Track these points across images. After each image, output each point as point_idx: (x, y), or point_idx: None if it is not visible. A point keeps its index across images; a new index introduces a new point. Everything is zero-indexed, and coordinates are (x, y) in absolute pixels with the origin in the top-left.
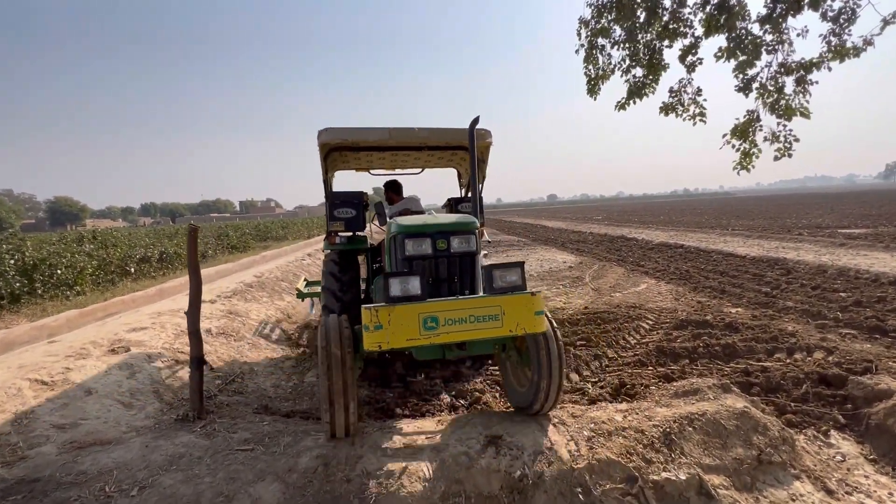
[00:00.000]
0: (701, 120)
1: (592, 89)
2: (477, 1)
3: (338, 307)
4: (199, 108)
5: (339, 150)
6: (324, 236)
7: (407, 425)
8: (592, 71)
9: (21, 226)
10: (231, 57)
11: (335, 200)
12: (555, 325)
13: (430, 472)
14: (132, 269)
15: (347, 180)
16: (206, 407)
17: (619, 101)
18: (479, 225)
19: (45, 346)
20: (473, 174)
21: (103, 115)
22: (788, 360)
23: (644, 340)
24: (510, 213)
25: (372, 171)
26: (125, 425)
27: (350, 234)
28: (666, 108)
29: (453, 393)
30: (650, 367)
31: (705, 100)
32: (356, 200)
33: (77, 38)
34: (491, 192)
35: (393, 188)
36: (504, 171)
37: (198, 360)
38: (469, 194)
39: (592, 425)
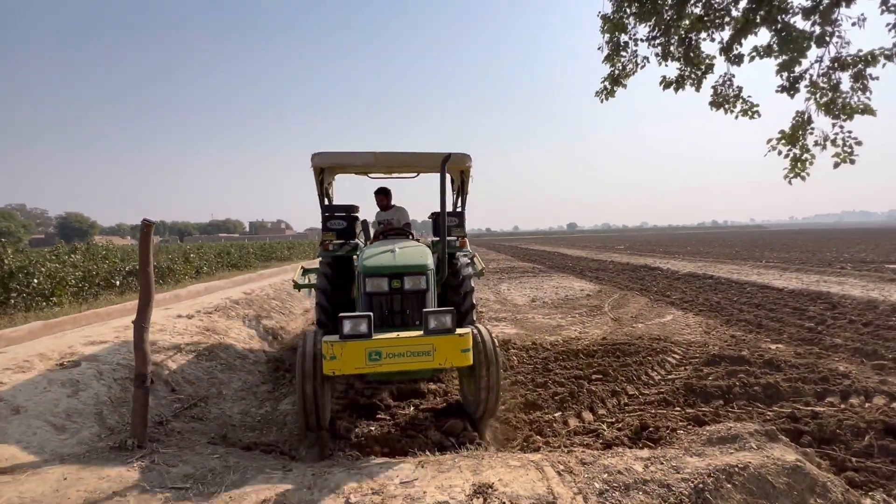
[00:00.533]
0: (753, 114)
1: (610, 92)
2: (498, 25)
3: (328, 305)
4: (213, 128)
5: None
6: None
7: (381, 466)
8: (617, 68)
9: (30, 240)
10: (247, 80)
11: (328, 213)
12: (496, 348)
13: None
14: (117, 283)
15: (344, 186)
16: (152, 434)
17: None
18: (462, 239)
19: None
20: (442, 204)
21: (119, 132)
22: (843, 406)
23: (670, 377)
24: (528, 241)
25: (370, 175)
26: (49, 452)
27: (342, 241)
28: (716, 103)
29: (444, 428)
30: (677, 408)
31: (749, 96)
32: (347, 213)
33: (94, 56)
34: (508, 220)
35: (383, 193)
36: (522, 199)
37: (141, 378)
38: (458, 205)
39: (606, 475)
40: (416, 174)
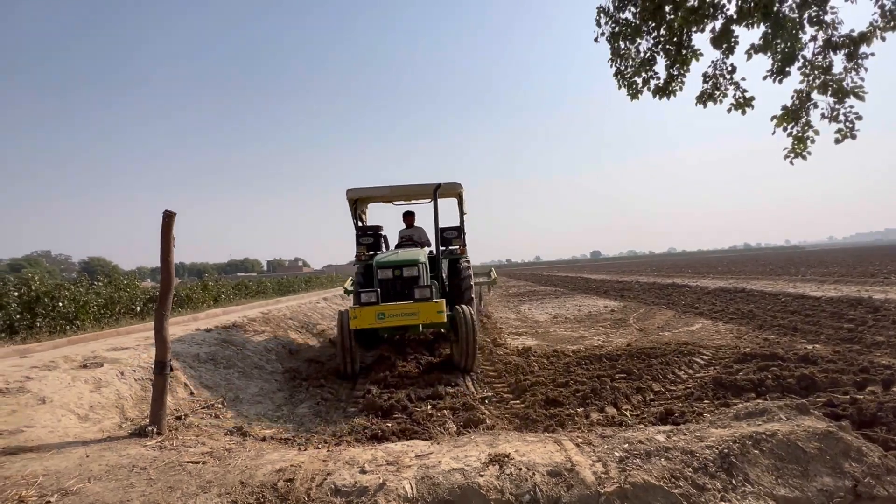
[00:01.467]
0: (746, 106)
1: (634, 93)
2: (523, 58)
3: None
4: (230, 169)
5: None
6: (344, 285)
7: (396, 444)
8: (623, 67)
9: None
10: (263, 120)
11: (360, 233)
12: (473, 316)
13: (414, 489)
14: (138, 308)
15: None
16: (171, 425)
17: (640, 88)
18: (461, 248)
19: (15, 359)
20: (436, 221)
21: (139, 178)
22: (886, 393)
23: (698, 375)
24: (549, 269)
25: (394, 202)
26: (73, 436)
27: (372, 253)
28: (703, 98)
29: (461, 422)
30: (705, 401)
31: (743, 79)
32: (374, 232)
33: (111, 101)
34: (529, 250)
35: (409, 214)
36: (543, 228)
37: (161, 365)
38: (460, 220)
39: (626, 445)
40: (429, 200)
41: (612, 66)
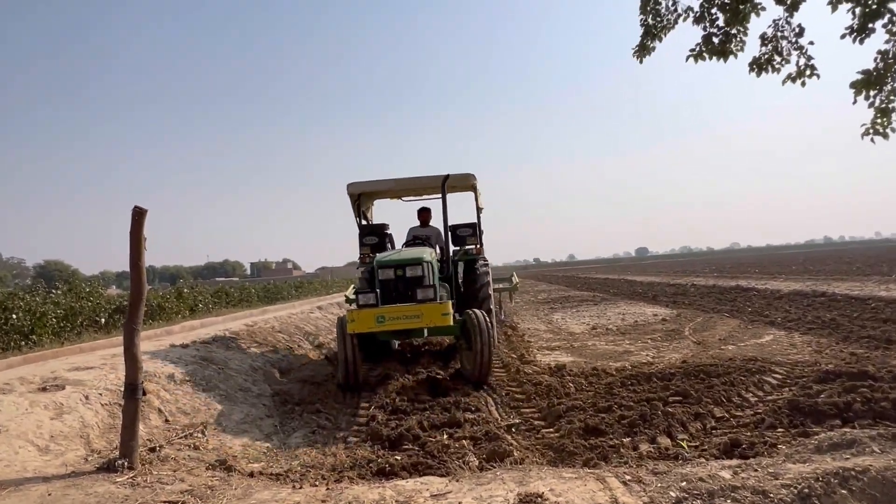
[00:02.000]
0: (810, 76)
1: (644, 47)
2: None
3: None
4: (205, 162)
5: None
6: (343, 292)
7: (407, 482)
8: (651, 21)
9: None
10: (243, 103)
11: (363, 231)
12: (487, 321)
13: None
14: (102, 321)
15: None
16: (144, 457)
17: (692, 52)
18: (477, 248)
19: None
20: (444, 218)
21: (103, 171)
22: None
23: (769, 397)
24: (586, 270)
25: (403, 199)
26: (32, 471)
27: (376, 254)
28: (758, 65)
29: (484, 455)
30: (780, 429)
31: (811, 43)
32: (379, 231)
33: (73, 98)
34: (560, 248)
35: (424, 211)
36: (577, 222)
37: (132, 387)
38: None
39: (684, 483)
40: (441, 197)
41: (642, 21)
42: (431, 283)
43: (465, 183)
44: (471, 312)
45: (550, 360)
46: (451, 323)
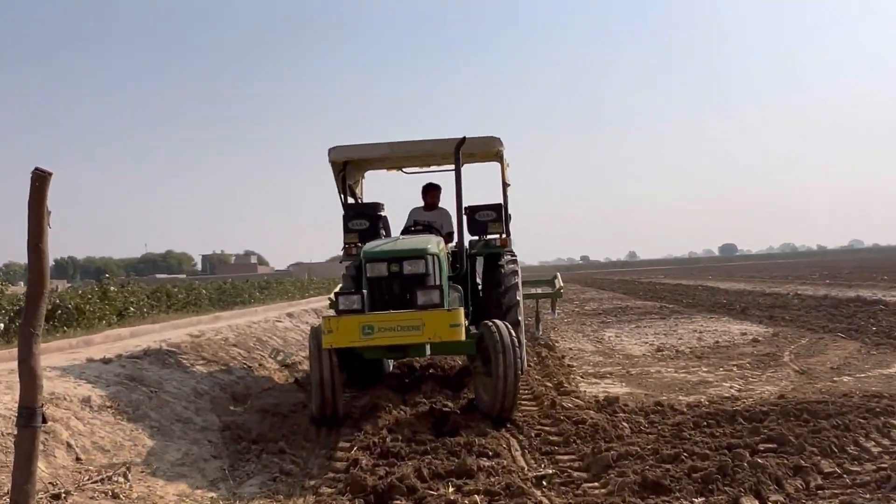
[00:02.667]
0: None
1: None
2: None
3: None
4: (143, 120)
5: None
6: (325, 295)
7: None
8: None
9: None
10: (197, 40)
11: (349, 213)
12: (512, 336)
13: None
14: (1, 325)
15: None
16: None
17: None
18: (502, 238)
19: None
20: (459, 205)
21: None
22: None
23: None
24: (652, 271)
25: (405, 171)
26: None
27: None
28: None
29: None
30: None
31: None
32: (371, 212)
33: None
34: (618, 244)
35: (431, 190)
36: (641, 210)
37: (28, 413)
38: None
39: None
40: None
41: None
42: (437, 282)
43: (488, 149)
44: (490, 324)
45: (598, 392)
46: (464, 338)
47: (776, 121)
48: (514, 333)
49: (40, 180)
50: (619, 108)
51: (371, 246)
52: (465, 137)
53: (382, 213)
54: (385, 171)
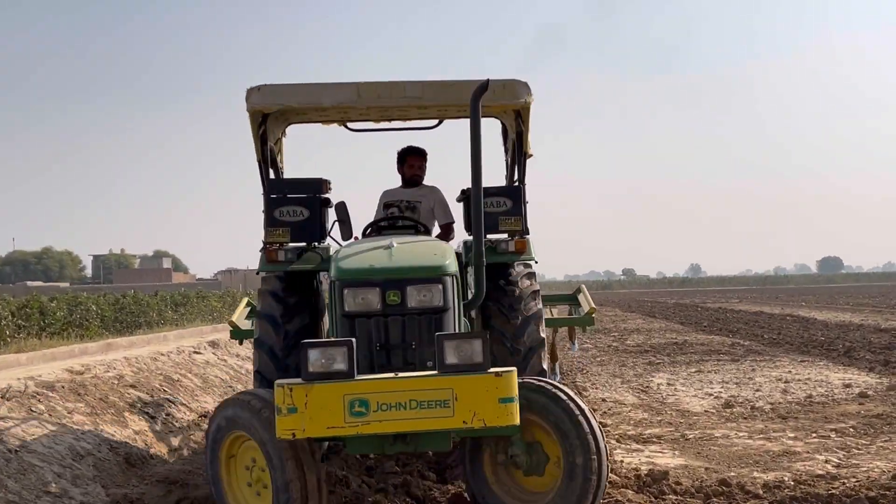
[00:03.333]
0: None
1: None
2: None
3: (279, 349)
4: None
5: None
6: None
7: None
8: None
9: None
10: None
11: (276, 193)
12: (586, 412)
13: None
14: None
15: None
16: None
17: None
18: (518, 239)
19: None
20: (476, 168)
21: None
22: None
23: None
24: (722, 292)
25: (350, 127)
26: None
27: (301, 245)
28: None
29: None
30: None
31: None
32: (312, 193)
33: None
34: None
35: (414, 155)
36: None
37: None
38: (515, 175)
39: None
40: (436, 123)
41: None
42: (457, 323)
43: (513, 101)
44: (553, 392)
45: (641, 463)
46: (517, 421)
47: None
48: (590, 412)
49: None
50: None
51: (349, 261)
52: (488, 81)
53: (329, 197)
54: (329, 126)
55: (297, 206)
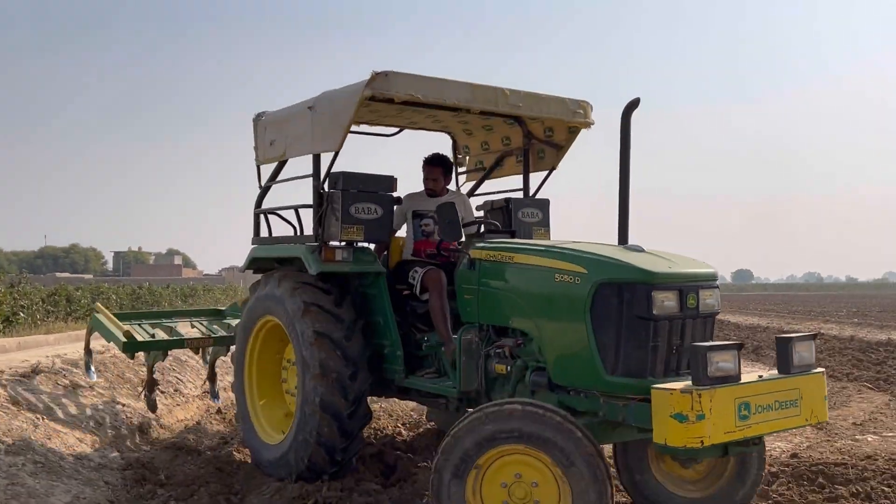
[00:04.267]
0: None
1: None
2: None
3: (348, 388)
4: (50, 89)
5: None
6: None
7: None
8: None
9: None
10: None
11: (352, 188)
12: None
13: None
14: None
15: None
16: None
17: None
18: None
19: None
20: (624, 176)
21: None
22: None
23: None
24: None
25: (353, 130)
26: None
27: (367, 245)
28: None
29: None
30: None
31: None
32: (385, 191)
33: None
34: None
35: (439, 165)
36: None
37: None
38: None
39: None
40: (397, 129)
41: None
42: None
43: (573, 120)
44: None
45: None
46: (827, 416)
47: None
48: None
49: None
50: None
51: (639, 262)
52: (638, 98)
53: (398, 195)
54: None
55: (370, 203)
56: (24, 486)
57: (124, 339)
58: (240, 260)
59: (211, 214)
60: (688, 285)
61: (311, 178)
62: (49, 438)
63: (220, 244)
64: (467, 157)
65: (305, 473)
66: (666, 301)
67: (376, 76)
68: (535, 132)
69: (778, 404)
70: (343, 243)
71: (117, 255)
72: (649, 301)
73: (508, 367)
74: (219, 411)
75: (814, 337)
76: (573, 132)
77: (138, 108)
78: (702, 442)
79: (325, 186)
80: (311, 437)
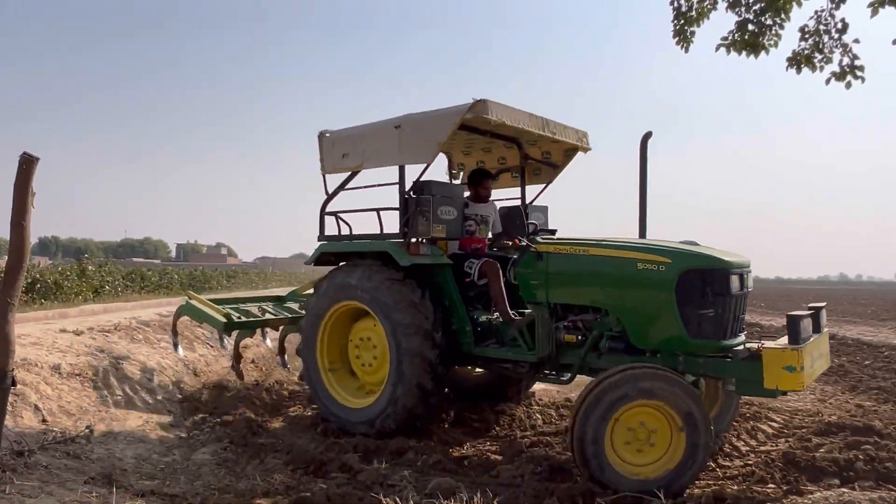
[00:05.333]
0: (854, 76)
1: (682, 35)
2: None
3: (437, 359)
4: (129, 113)
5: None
6: (287, 287)
7: None
8: (684, 5)
9: None
10: (179, 35)
11: (438, 194)
12: None
13: None
14: None
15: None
16: (6, 463)
17: (724, 40)
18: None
19: None
20: (643, 195)
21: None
22: None
23: (762, 448)
24: None
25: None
26: None
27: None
28: (796, 60)
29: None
30: (771, 484)
31: (857, 41)
32: (458, 197)
33: None
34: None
35: (482, 179)
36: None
37: (0, 374)
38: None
39: None
40: (463, 167)
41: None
42: None
43: (574, 142)
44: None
45: None
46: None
47: None
48: None
49: (27, 164)
50: None
51: (711, 254)
52: (650, 132)
53: (467, 200)
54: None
55: (450, 206)
56: (107, 412)
57: (224, 321)
58: (271, 251)
59: (249, 214)
60: (743, 270)
61: (363, 186)
62: (126, 379)
63: (255, 237)
64: (461, 174)
65: (403, 423)
66: (735, 282)
67: (477, 103)
68: (531, 154)
69: (819, 355)
70: (423, 240)
71: (179, 245)
72: (727, 282)
73: (579, 336)
74: (253, 361)
75: (818, 310)
76: (569, 155)
77: (198, 134)
78: (803, 384)
79: (411, 192)
80: (410, 386)
